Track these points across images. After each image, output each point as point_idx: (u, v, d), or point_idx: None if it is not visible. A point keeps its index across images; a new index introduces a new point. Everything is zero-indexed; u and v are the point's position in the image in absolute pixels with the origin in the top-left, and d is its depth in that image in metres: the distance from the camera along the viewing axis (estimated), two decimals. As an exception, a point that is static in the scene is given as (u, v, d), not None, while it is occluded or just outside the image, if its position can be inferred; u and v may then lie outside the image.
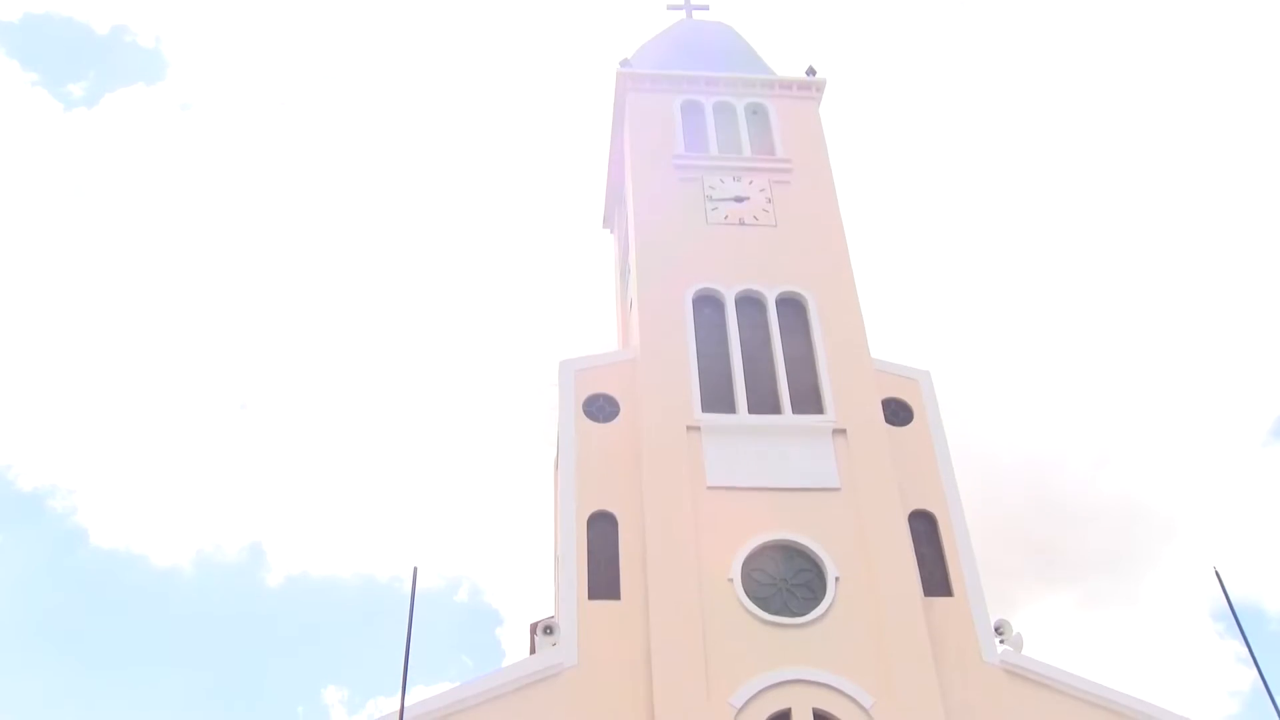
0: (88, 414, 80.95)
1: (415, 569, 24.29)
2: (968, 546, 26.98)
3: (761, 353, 29.44)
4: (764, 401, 28.49)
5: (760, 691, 23.44)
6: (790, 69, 37.05)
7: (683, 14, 41.14)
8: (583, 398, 28.72)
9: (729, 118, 35.05)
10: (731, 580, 24.95)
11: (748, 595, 24.84)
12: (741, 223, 32.06)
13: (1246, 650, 21.65)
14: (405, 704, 22.18)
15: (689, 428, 27.35)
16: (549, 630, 25.42)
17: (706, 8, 41.56)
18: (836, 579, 25.20)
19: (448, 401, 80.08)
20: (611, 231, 39.78)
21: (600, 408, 28.64)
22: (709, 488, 26.40)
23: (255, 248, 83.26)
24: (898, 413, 29.18)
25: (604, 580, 25.79)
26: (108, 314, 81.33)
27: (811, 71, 36.12)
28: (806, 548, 25.76)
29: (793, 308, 30.56)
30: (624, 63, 35.65)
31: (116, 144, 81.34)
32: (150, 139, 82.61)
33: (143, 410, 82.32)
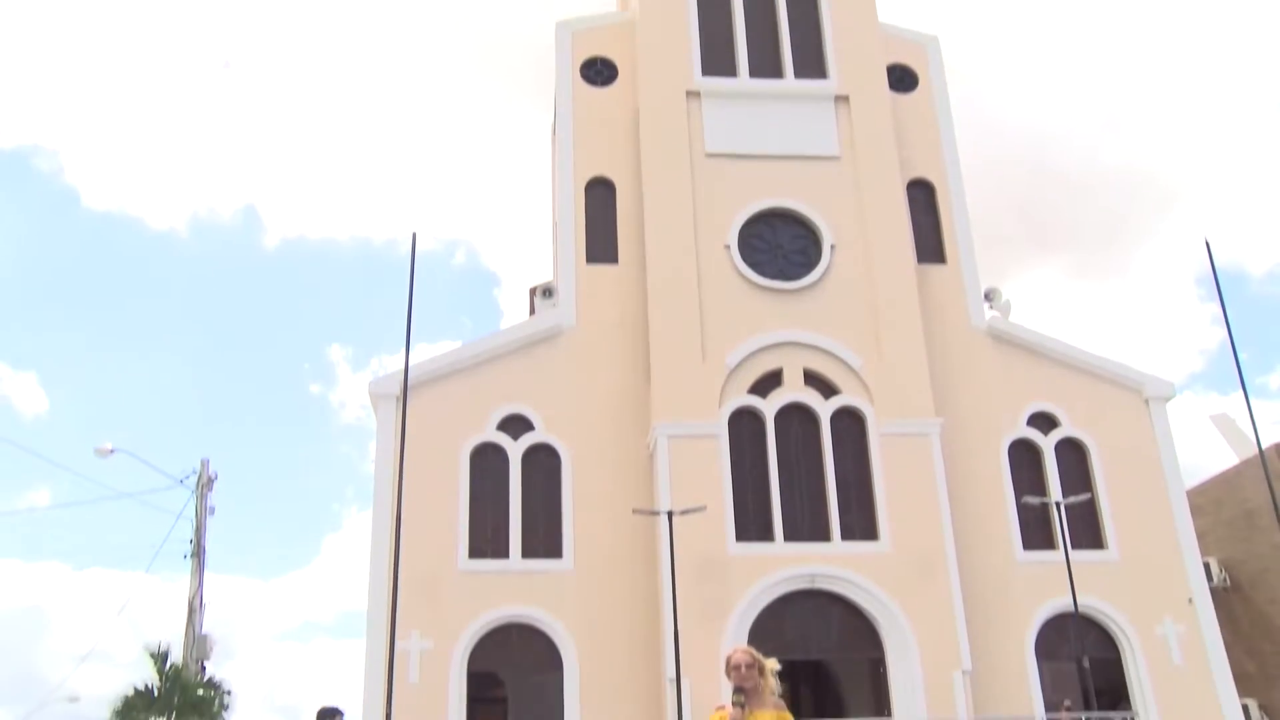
0: (64, 70, 78.72)
1: (414, 234, 24.54)
2: (964, 215, 27.13)
3: (764, 13, 28.26)
4: (766, 66, 27.66)
5: (754, 353, 24.30)
6: None
7: None
8: (580, 61, 27.86)
9: None
10: (728, 246, 25.23)
11: (744, 260, 25.21)
12: None
13: (1222, 312, 22.25)
14: (409, 362, 23.03)
15: (688, 93, 26.72)
16: (548, 293, 25.98)
17: None
18: (832, 246, 25.49)
19: (444, 62, 77.82)
20: (609, -121, 37.11)
21: (598, 71, 27.86)
22: (707, 154, 26.15)
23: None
24: (902, 79, 28.44)
25: (602, 245, 26.10)
26: (78, -30, 77.25)
27: None
28: (804, 214, 25.89)
29: (799, -35, 29.04)
30: None
31: None
32: None
33: (121, 67, 79.98)
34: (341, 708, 10.81)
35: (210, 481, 23.87)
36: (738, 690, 6.59)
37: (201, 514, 23.47)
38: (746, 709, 6.54)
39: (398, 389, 23.08)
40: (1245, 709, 24.87)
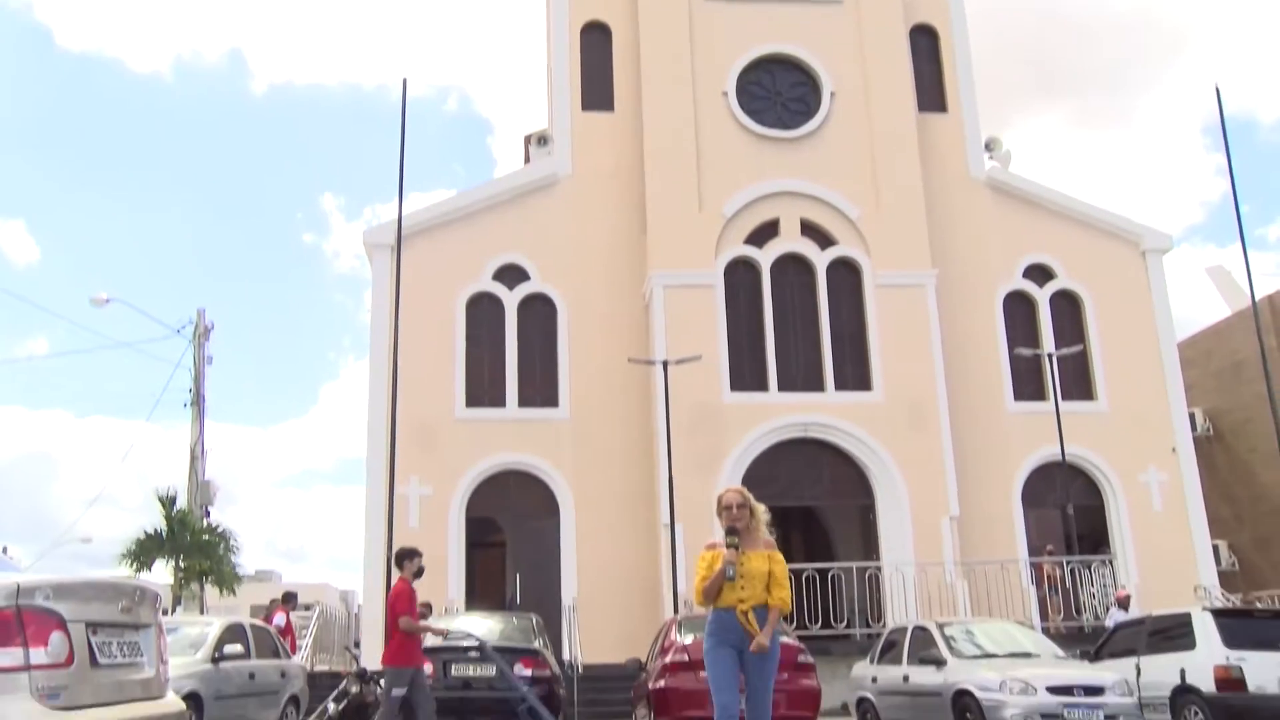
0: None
1: (405, 80, 24.04)
2: (967, 63, 26.53)
3: None
4: (767, -98, 26.56)
5: (750, 202, 24.07)
6: None
7: None
8: (574, -104, 26.71)
9: None
10: (726, 93, 24.70)
11: (742, 108, 24.73)
12: None
13: (1227, 163, 21.95)
14: (403, 211, 22.79)
15: (687, -70, 25.72)
16: (543, 141, 25.57)
17: None
18: (832, 93, 24.99)
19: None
20: None
21: (593, -93, 26.74)
22: (706, -4, 25.35)
23: None
24: (908, -83, 27.35)
25: (598, 92, 25.55)
26: None
27: None
28: (804, 61, 25.29)
29: None
30: None
31: None
32: None
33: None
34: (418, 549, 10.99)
35: (207, 331, 23.94)
36: (731, 531, 6.62)
37: (200, 363, 23.61)
38: (739, 549, 6.60)
39: (392, 238, 22.84)
40: (1215, 549, 25.67)
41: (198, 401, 23.54)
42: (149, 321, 44.29)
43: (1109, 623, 17.68)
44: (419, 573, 10.64)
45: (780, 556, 6.75)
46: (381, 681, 13.20)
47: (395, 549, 10.78)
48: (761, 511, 6.79)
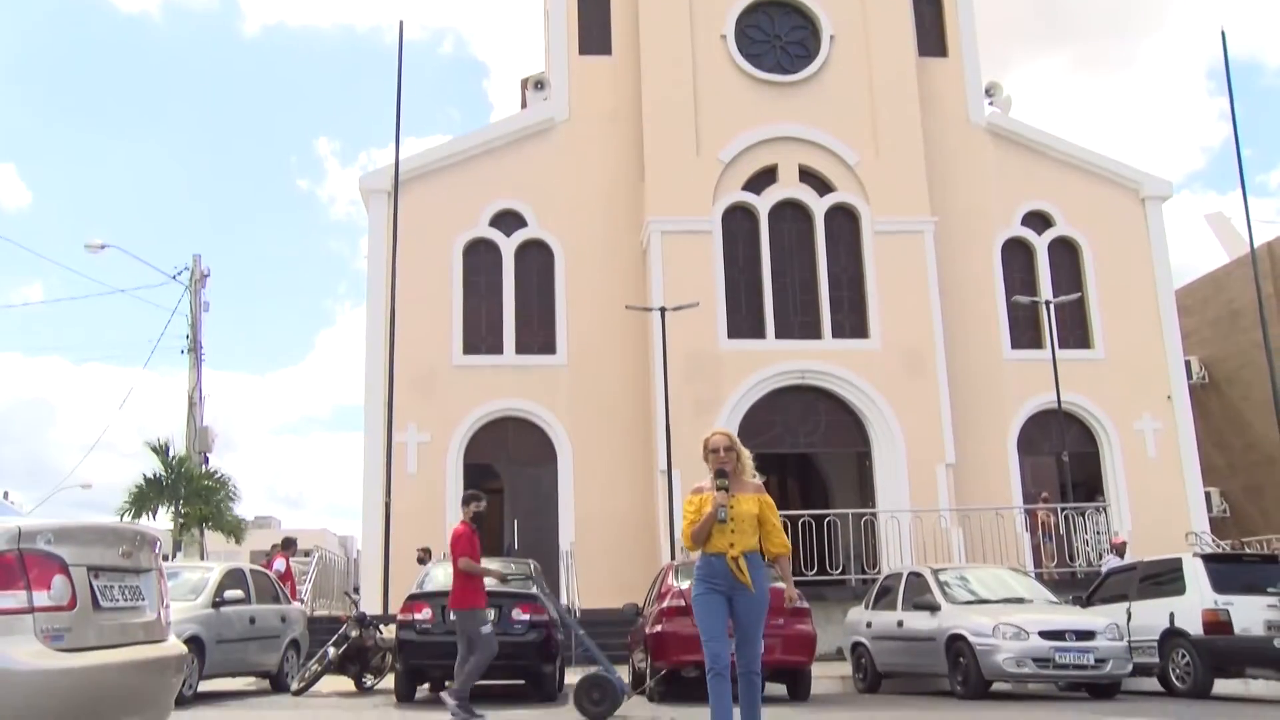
0: None
1: (401, 22, 23.91)
2: (969, 6, 26.22)
3: None
4: None
5: (749, 148, 23.90)
6: None
7: None
8: None
9: None
10: (724, 36, 24.44)
11: (740, 52, 24.47)
12: None
13: (1230, 107, 21.82)
14: (400, 156, 22.66)
15: None
16: (540, 85, 25.33)
17: None
18: (832, 37, 24.72)
19: None
20: None
21: None
22: (705, -62, 24.96)
23: None
24: None
25: (595, 35, 25.27)
26: None
27: None
28: (803, 4, 24.98)
29: None
30: None
31: None
32: None
33: None
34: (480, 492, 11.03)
35: (203, 277, 23.86)
36: (720, 474, 6.57)
37: (196, 309, 23.56)
38: (730, 492, 6.59)
39: (388, 184, 22.79)
40: (1208, 496, 25.85)
41: (195, 348, 23.53)
42: (144, 267, 44.06)
43: (1105, 569, 17.85)
44: (477, 516, 10.58)
45: (770, 500, 6.74)
46: (387, 629, 13.35)
47: (463, 492, 10.80)
48: (748, 457, 6.77)
